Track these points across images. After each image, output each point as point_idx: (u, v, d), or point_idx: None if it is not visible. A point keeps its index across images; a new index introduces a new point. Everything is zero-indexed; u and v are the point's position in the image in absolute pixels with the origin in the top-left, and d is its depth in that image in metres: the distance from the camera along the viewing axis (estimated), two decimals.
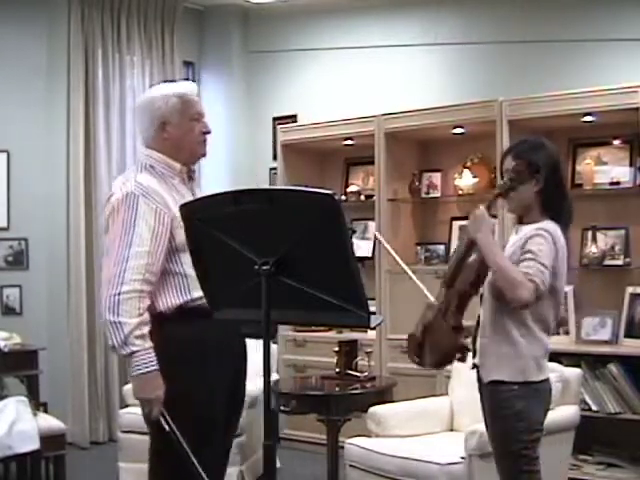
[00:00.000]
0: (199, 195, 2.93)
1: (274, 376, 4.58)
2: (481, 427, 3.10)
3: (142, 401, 2.72)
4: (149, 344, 2.68)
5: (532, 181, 2.83)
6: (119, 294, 2.65)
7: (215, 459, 2.84)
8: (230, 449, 3.02)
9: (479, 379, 2.95)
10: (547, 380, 2.90)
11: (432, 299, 2.99)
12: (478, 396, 2.99)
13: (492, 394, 2.87)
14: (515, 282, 2.68)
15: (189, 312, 2.77)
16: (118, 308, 2.65)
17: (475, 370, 2.98)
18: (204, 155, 3.01)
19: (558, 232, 2.82)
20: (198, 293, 2.63)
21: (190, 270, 2.65)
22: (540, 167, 2.84)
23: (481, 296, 2.94)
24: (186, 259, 2.70)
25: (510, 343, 2.80)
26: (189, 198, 2.83)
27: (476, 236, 2.79)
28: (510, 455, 2.85)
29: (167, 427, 2.66)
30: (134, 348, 2.66)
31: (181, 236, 2.68)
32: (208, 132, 2.96)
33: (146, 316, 2.69)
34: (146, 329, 2.68)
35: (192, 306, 2.77)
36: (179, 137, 2.88)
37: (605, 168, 4.94)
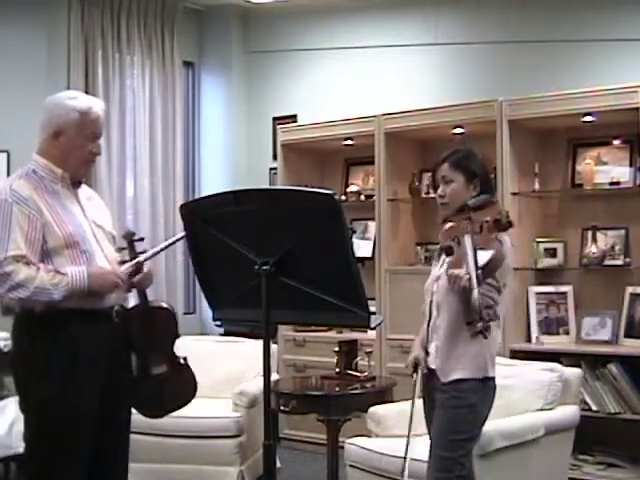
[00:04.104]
0: (85, 202, 3.02)
1: (274, 376, 4.57)
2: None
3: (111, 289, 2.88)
4: (63, 272, 2.78)
5: (470, 186, 3.02)
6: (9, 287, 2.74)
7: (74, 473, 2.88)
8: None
9: (428, 381, 3.03)
10: (494, 379, 2.99)
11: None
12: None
13: (449, 390, 2.92)
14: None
15: (61, 314, 2.81)
16: (16, 286, 2.73)
17: (420, 373, 3.04)
18: (84, 176, 3.09)
19: (505, 237, 2.85)
20: None
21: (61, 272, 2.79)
22: (477, 174, 3.02)
23: (430, 302, 3.00)
24: (58, 262, 2.82)
25: (471, 342, 2.80)
26: (71, 203, 2.94)
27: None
28: (449, 444, 2.89)
29: None
30: (62, 282, 2.75)
31: (53, 240, 2.81)
32: (97, 154, 3.04)
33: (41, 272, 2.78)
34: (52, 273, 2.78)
35: (64, 307, 2.81)
36: (68, 150, 2.94)
37: (605, 168, 4.94)
